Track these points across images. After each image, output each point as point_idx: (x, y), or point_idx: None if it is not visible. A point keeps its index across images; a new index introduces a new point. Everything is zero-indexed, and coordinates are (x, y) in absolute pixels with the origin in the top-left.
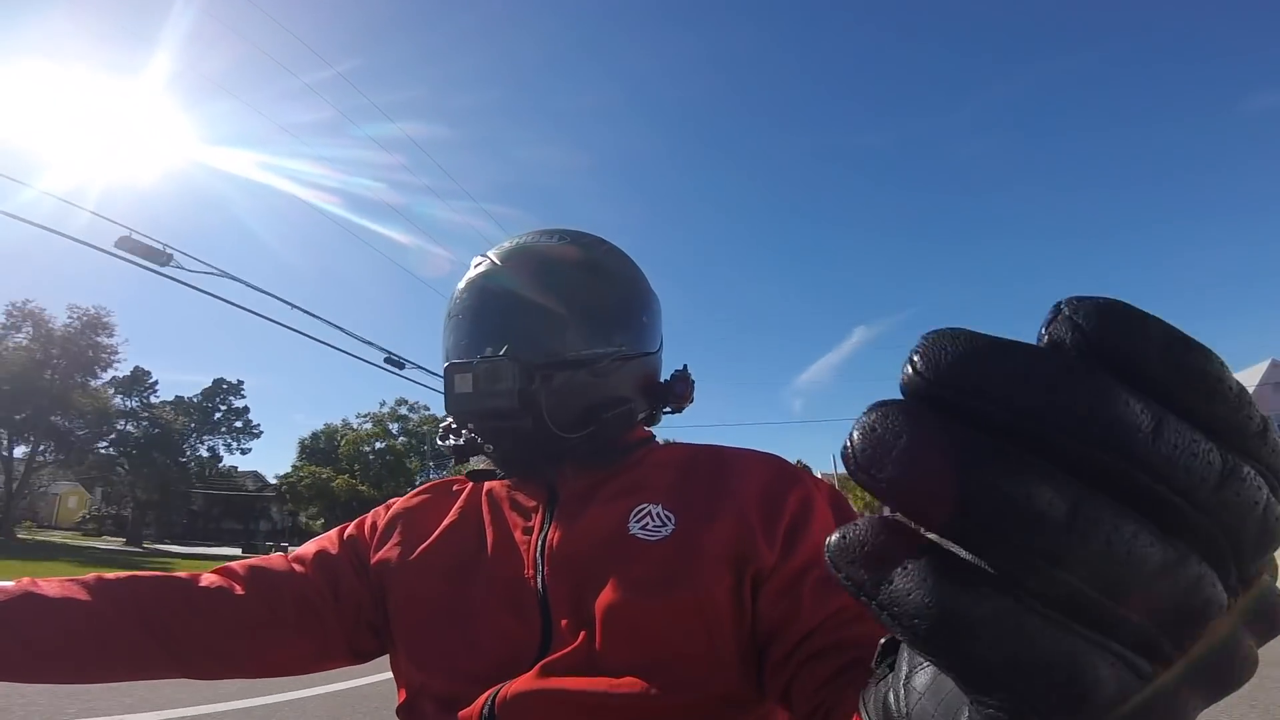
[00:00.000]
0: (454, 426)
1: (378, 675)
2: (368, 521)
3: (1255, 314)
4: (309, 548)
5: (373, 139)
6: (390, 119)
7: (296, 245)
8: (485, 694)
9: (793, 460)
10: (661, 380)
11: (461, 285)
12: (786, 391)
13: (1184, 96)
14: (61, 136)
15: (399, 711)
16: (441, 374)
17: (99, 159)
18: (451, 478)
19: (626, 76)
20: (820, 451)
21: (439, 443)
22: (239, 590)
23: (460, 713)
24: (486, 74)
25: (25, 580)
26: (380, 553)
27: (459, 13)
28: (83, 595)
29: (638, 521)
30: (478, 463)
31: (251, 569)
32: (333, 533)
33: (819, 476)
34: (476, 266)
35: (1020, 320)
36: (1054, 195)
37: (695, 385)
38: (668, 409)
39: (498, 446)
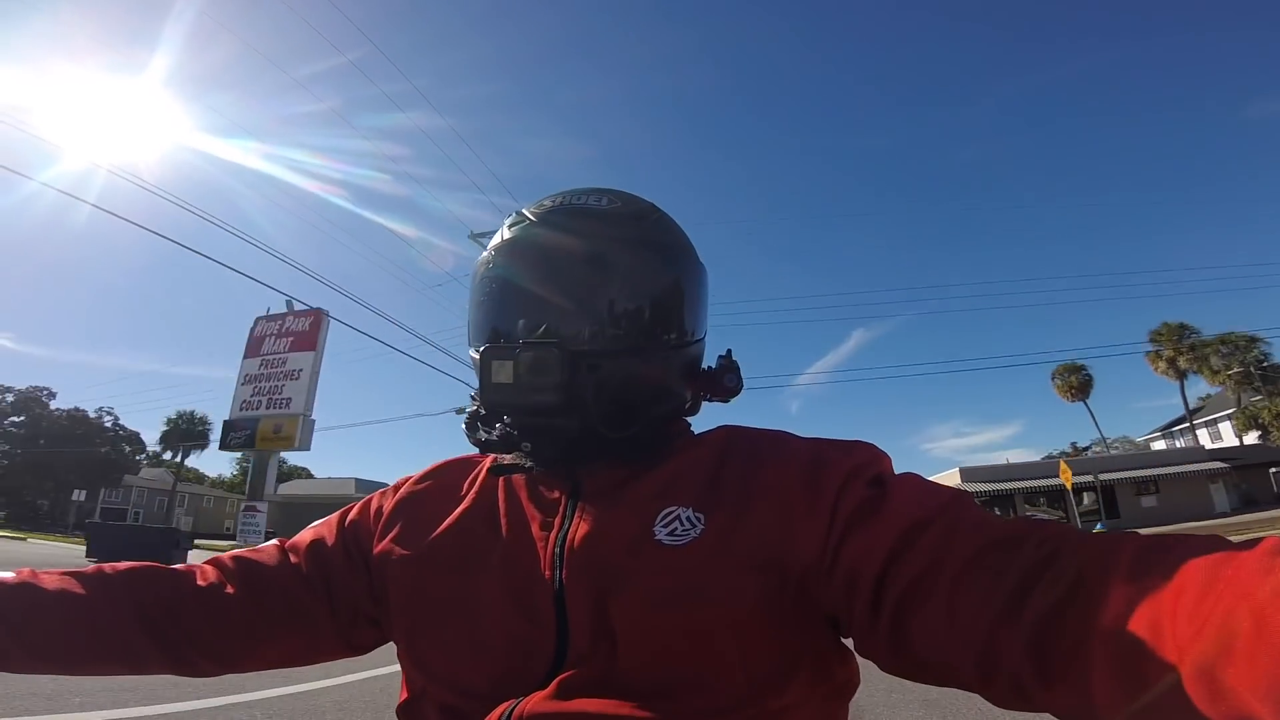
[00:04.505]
0: (484, 415)
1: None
2: (373, 505)
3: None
4: (305, 536)
5: (375, 129)
6: (399, 108)
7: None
8: (499, 710)
9: None
10: (705, 367)
11: (493, 248)
12: (785, 394)
13: (1187, 101)
14: (73, 127)
15: (399, 711)
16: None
17: (109, 148)
18: (464, 456)
19: (626, 71)
20: None
21: (466, 434)
22: (230, 589)
23: None
24: (486, 67)
25: (25, 571)
26: (383, 543)
27: (461, 4)
28: (80, 589)
29: (664, 526)
30: (503, 455)
31: (243, 564)
32: (334, 518)
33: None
34: (511, 226)
35: (1015, 322)
36: (1053, 198)
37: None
38: (711, 399)
39: (536, 444)
